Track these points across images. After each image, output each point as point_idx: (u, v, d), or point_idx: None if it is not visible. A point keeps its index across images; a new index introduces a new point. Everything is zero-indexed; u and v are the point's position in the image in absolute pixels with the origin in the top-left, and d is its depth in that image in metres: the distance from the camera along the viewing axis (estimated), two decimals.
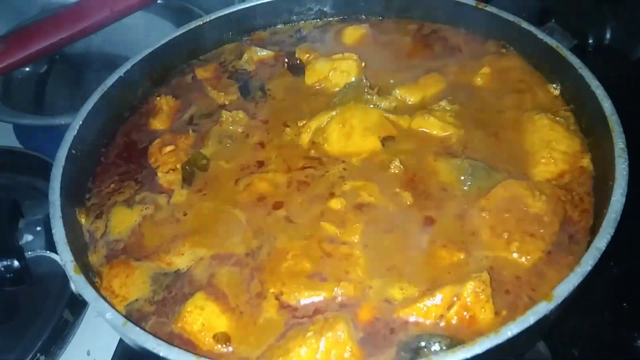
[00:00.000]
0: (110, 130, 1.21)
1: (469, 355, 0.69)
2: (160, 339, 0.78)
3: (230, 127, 1.16)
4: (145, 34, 1.92)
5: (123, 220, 1.04)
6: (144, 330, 0.78)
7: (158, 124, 1.21)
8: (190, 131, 1.17)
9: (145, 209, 1.05)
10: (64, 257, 0.88)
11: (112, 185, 1.11)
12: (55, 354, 1.21)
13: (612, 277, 1.21)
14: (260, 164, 1.09)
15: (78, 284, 0.85)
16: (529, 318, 0.73)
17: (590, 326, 1.14)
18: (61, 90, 1.88)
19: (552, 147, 1.02)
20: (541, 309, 0.73)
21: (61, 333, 1.22)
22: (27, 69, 1.75)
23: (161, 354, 0.74)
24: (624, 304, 1.17)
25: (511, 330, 0.71)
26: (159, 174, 1.10)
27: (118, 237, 1.02)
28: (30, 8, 2.00)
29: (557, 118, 1.06)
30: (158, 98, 1.25)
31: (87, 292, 0.84)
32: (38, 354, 1.16)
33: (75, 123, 1.10)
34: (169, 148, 1.13)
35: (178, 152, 1.12)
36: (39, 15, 1.95)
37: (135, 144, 1.19)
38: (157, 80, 1.31)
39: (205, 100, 1.25)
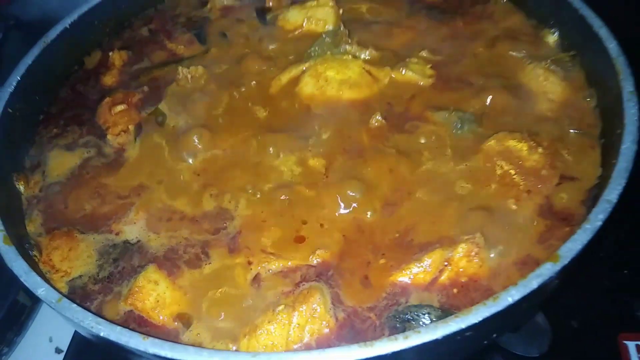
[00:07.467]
0: (57, 86, 1.09)
1: (462, 325, 0.59)
2: (103, 316, 0.66)
3: (188, 85, 1.03)
4: None
5: (62, 163, 0.96)
6: (82, 307, 0.66)
7: (109, 80, 1.09)
8: (145, 88, 1.05)
9: (87, 152, 0.97)
10: None
11: (55, 131, 1.02)
12: (12, 340, 1.12)
13: (610, 242, 1.12)
14: (221, 120, 0.97)
15: (7, 255, 0.74)
16: (532, 282, 0.63)
17: (589, 296, 1.06)
18: (19, 58, 1.75)
19: (548, 98, 0.95)
20: (545, 271, 0.64)
21: (17, 318, 1.13)
22: None
23: (102, 334, 0.63)
24: (625, 271, 1.10)
25: (512, 295, 0.61)
26: (109, 137, 0.98)
27: (56, 180, 0.93)
28: None
29: (553, 67, 0.97)
30: (110, 53, 1.13)
31: (17, 264, 0.72)
32: None
33: (13, 79, 0.98)
34: (119, 107, 1.01)
35: (130, 111, 1.00)
36: None
37: (84, 99, 1.07)
38: (109, 32, 1.19)
39: (162, 53, 1.13)
